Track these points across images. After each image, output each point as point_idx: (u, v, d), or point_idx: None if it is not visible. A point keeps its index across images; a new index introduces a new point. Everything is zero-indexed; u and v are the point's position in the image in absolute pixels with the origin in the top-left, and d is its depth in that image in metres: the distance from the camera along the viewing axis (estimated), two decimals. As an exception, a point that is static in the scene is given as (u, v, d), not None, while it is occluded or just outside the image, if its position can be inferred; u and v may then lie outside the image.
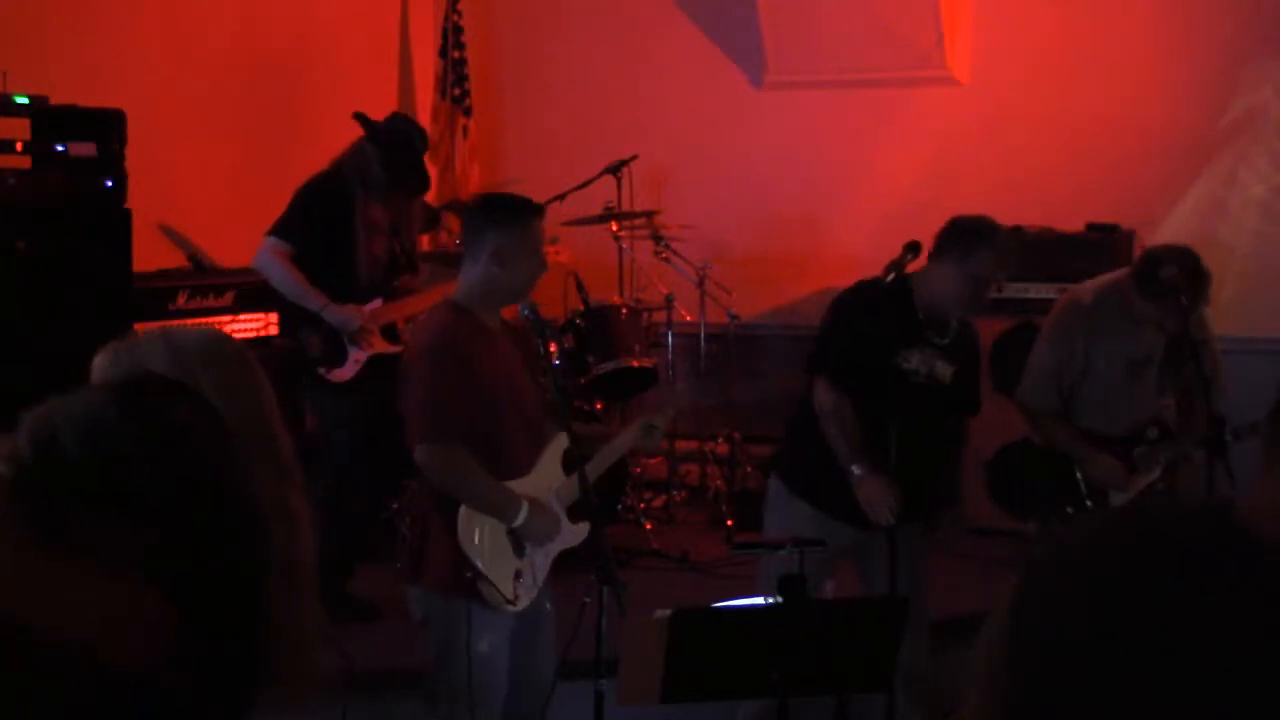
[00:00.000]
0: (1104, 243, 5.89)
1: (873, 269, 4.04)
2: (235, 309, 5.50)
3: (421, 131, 5.30)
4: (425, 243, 6.67)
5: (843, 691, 3.58)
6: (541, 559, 3.54)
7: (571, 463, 3.56)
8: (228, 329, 5.47)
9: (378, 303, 4.95)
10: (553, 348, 5.49)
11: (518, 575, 3.44)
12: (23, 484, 1.52)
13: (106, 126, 4.76)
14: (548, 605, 3.64)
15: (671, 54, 7.40)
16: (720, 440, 6.54)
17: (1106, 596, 1.37)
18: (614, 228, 6.43)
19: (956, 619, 4.67)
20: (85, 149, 4.71)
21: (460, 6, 7.46)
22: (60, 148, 4.67)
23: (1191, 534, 1.38)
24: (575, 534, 3.62)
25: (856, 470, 3.86)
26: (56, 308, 4.55)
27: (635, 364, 5.93)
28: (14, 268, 4.51)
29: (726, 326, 6.53)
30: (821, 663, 3.15)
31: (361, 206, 4.94)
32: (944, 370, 3.98)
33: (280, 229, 4.88)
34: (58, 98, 4.74)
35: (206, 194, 6.04)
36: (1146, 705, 1.30)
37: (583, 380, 5.85)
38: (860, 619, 3.30)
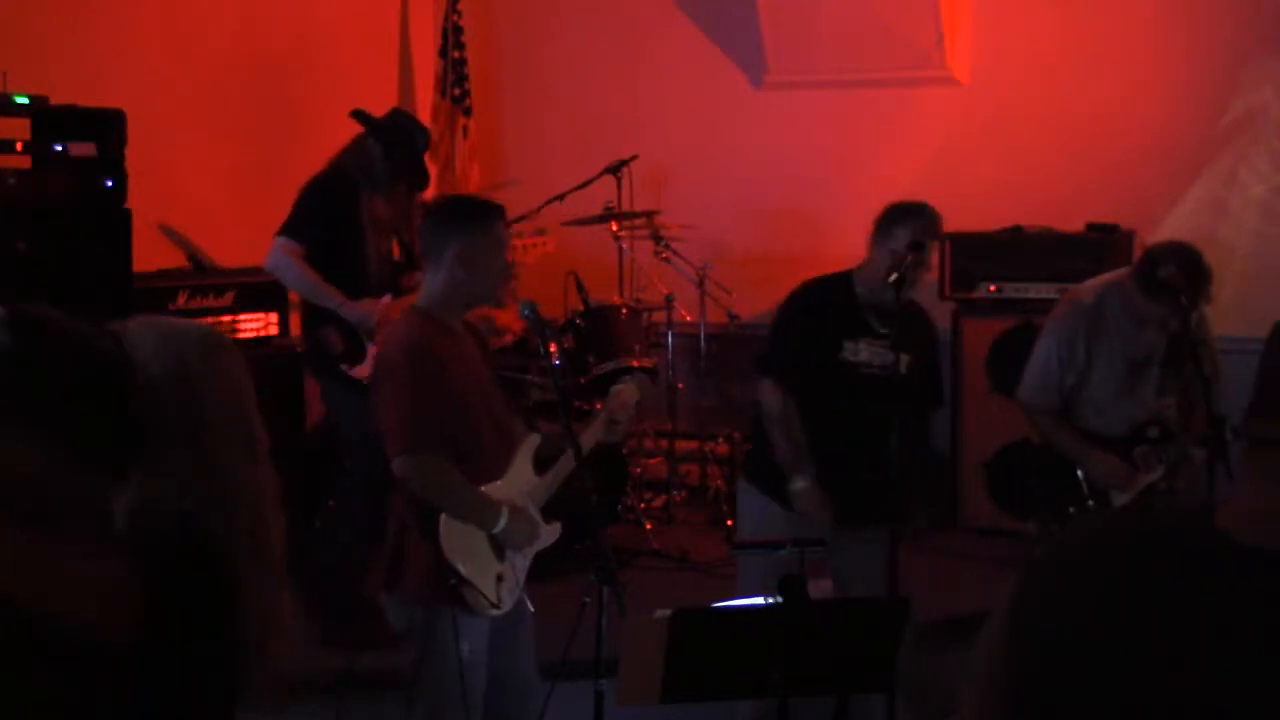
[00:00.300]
0: (1104, 243, 5.90)
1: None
2: (235, 309, 5.50)
3: (422, 127, 5.31)
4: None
5: (843, 691, 3.58)
6: (521, 560, 3.55)
7: (543, 463, 3.59)
8: (228, 329, 5.47)
9: (387, 299, 4.96)
10: (553, 348, 5.50)
11: (499, 578, 3.44)
12: None
13: (106, 126, 4.76)
14: (529, 606, 3.63)
15: (671, 54, 7.40)
16: (720, 440, 6.55)
17: (1099, 599, 1.37)
18: (614, 228, 6.43)
19: (956, 619, 4.68)
20: (85, 149, 4.71)
21: (460, 6, 7.46)
22: (60, 148, 4.68)
23: (1176, 538, 1.38)
24: (549, 534, 3.64)
25: (796, 482, 3.92)
26: (56, 308, 4.55)
27: (635, 364, 5.93)
28: (14, 268, 4.51)
29: (726, 326, 6.53)
30: (821, 663, 3.15)
31: (367, 203, 4.93)
32: (894, 358, 3.94)
33: (290, 228, 4.86)
34: (58, 98, 4.74)
35: (206, 194, 6.04)
36: (1139, 707, 1.31)
37: (583, 380, 5.85)
38: (860, 619, 3.30)
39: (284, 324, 5.63)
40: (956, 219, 6.21)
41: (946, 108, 6.82)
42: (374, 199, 4.96)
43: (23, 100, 4.62)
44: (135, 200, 4.85)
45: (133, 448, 1.80)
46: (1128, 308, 4.28)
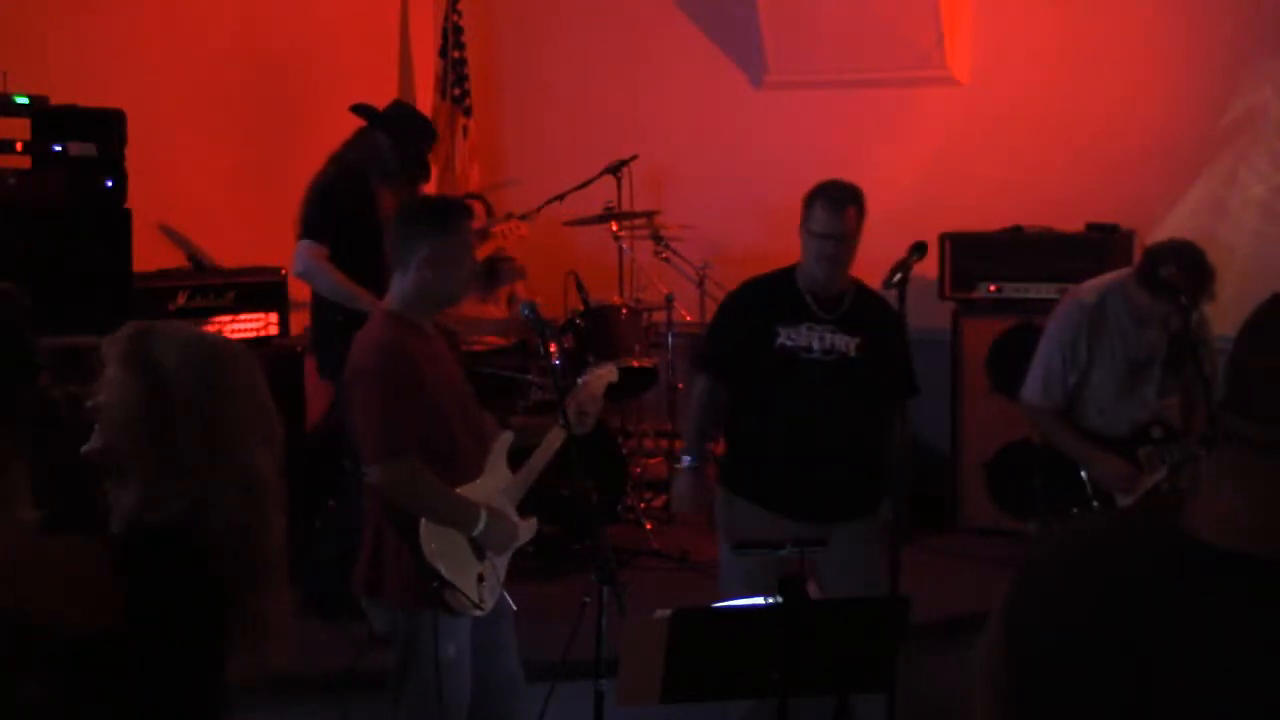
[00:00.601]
0: (1104, 243, 5.90)
1: (872, 269, 4.06)
2: (235, 309, 5.50)
3: (427, 118, 5.31)
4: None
5: (843, 691, 3.57)
6: (501, 559, 3.56)
7: (517, 459, 3.62)
8: (228, 329, 5.47)
9: None
10: (553, 348, 5.49)
11: (480, 578, 3.44)
12: None
13: (106, 126, 4.76)
14: (510, 604, 3.63)
15: (671, 54, 7.40)
16: (720, 440, 6.54)
17: (1077, 599, 1.39)
18: (614, 228, 6.43)
19: (956, 619, 4.68)
20: (85, 149, 4.71)
21: (460, 6, 7.46)
22: (60, 148, 4.67)
23: (1146, 539, 1.39)
24: (526, 530, 3.64)
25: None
26: (56, 308, 4.55)
27: (635, 364, 5.93)
28: (14, 268, 4.51)
29: (726, 326, 6.52)
30: (821, 663, 3.15)
31: (379, 198, 4.92)
32: (844, 342, 3.94)
33: (311, 231, 4.82)
34: (58, 98, 4.74)
35: (206, 194, 6.04)
36: (1115, 706, 1.32)
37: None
38: (860, 619, 3.30)
39: (284, 324, 5.62)
40: (956, 219, 6.26)
41: (946, 108, 6.81)
42: (384, 193, 4.95)
43: (23, 100, 4.62)
44: (135, 200, 4.84)
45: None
46: (1129, 307, 4.28)
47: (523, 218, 6.23)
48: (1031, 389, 4.46)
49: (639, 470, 6.35)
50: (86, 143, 4.71)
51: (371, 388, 3.35)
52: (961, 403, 6.08)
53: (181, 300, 5.36)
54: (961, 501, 6.07)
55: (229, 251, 5.84)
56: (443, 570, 3.33)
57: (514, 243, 6.21)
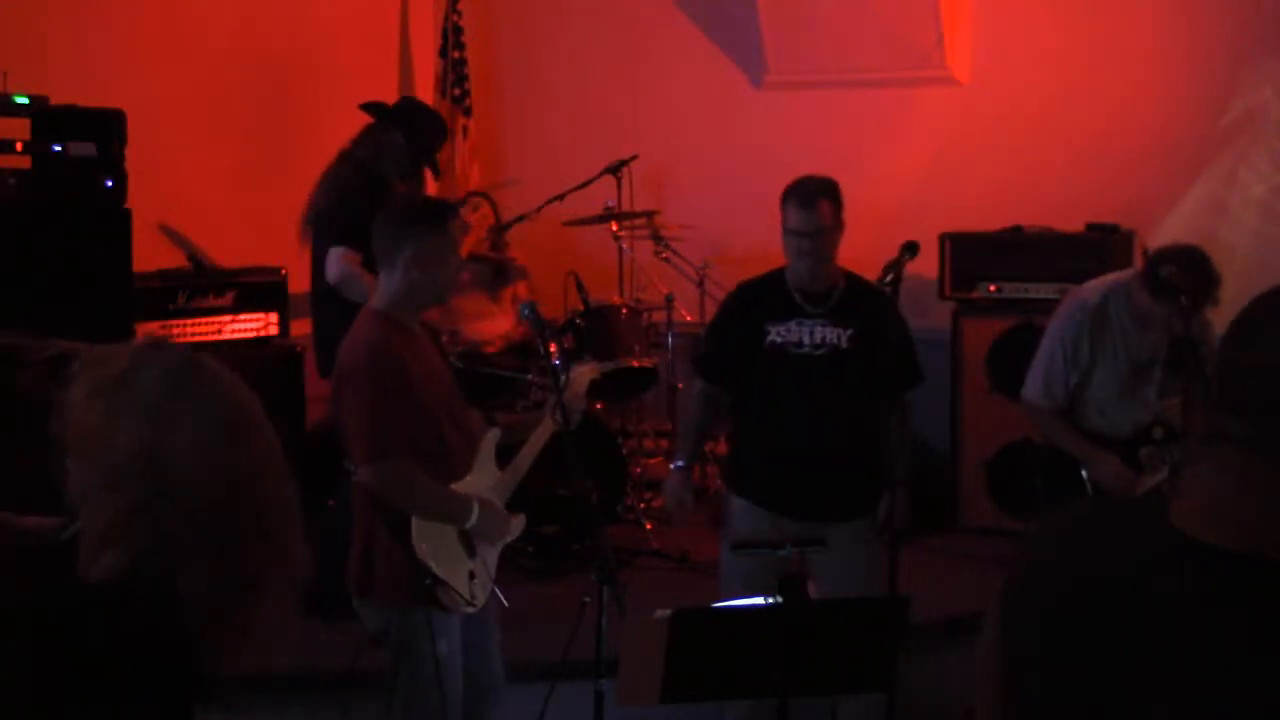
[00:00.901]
0: (1104, 243, 5.89)
1: (872, 269, 4.06)
2: (235, 309, 5.50)
3: (438, 113, 5.32)
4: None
5: (842, 691, 3.58)
6: (491, 557, 3.57)
7: (505, 456, 3.64)
8: (228, 329, 5.47)
9: None
10: (553, 348, 5.49)
11: (471, 575, 3.45)
12: None
13: (106, 126, 4.76)
14: (502, 601, 3.64)
15: (671, 54, 7.40)
16: (720, 440, 6.54)
17: (1067, 592, 1.40)
18: (614, 228, 6.43)
19: (956, 619, 4.68)
20: (85, 149, 4.71)
21: (460, 6, 7.46)
22: (60, 148, 4.67)
23: (1134, 533, 1.40)
24: (515, 527, 3.65)
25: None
26: (56, 308, 4.55)
27: (635, 364, 5.93)
28: (14, 268, 4.51)
29: (726, 326, 6.52)
30: (821, 663, 3.15)
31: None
32: (834, 335, 3.94)
33: (343, 236, 4.79)
34: (58, 98, 4.74)
35: (206, 194, 6.04)
36: (1105, 699, 1.33)
37: (597, 376, 5.84)
38: (860, 619, 3.30)
39: (284, 324, 5.62)
40: (956, 219, 6.26)
41: (946, 108, 6.81)
42: (398, 191, 4.96)
43: (23, 100, 4.62)
44: (135, 200, 4.84)
45: None
46: (1131, 308, 4.28)
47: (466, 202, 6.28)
48: (1032, 389, 4.46)
49: (639, 470, 6.35)
50: (86, 143, 4.71)
51: (360, 388, 3.35)
52: (961, 403, 6.08)
53: (181, 300, 5.36)
54: (961, 501, 6.07)
55: (229, 251, 5.84)
56: (434, 568, 3.35)
57: (478, 220, 6.23)
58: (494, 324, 6.40)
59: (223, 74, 6.25)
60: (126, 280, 4.86)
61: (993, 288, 6.05)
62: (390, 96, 6.10)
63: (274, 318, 5.60)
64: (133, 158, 4.83)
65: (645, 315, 6.30)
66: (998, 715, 1.44)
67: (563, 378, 3.77)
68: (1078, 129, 6.49)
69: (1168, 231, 6.01)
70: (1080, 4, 6.57)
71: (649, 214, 6.53)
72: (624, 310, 6.06)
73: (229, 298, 5.49)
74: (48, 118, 4.70)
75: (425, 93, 7.54)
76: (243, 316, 5.53)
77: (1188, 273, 4.08)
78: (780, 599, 3.11)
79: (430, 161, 5.20)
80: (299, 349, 5.49)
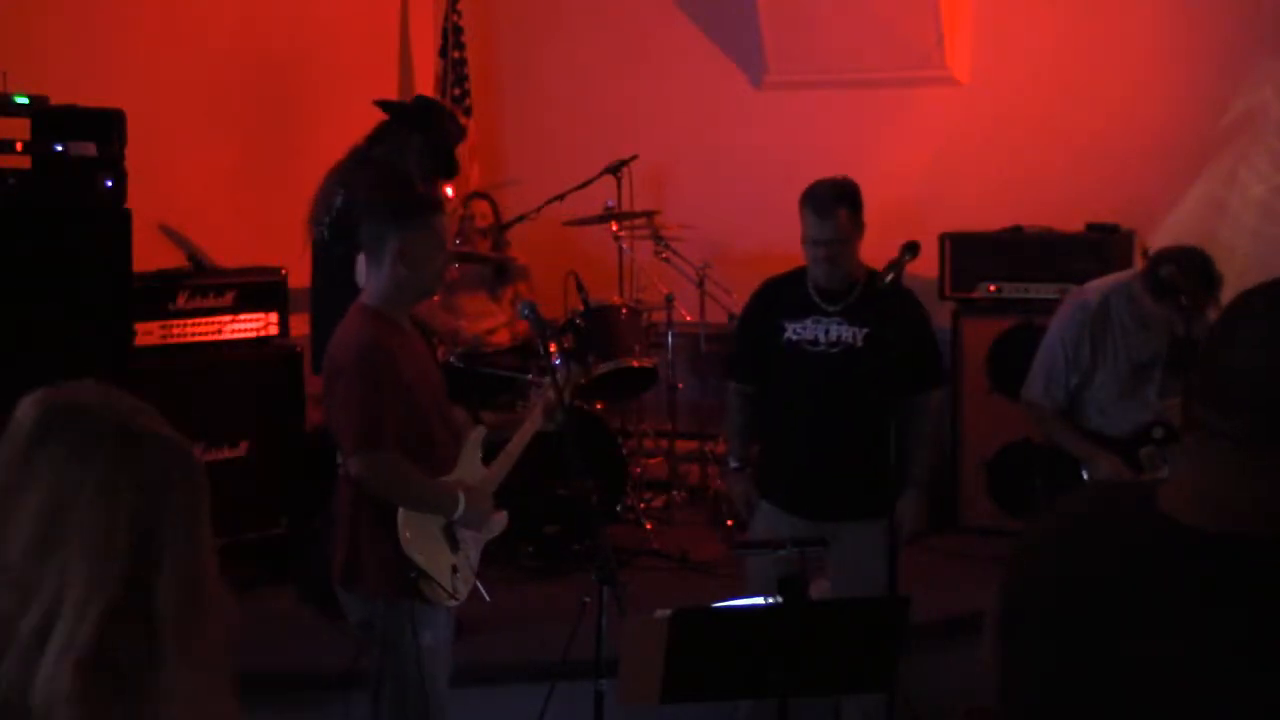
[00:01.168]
0: (1104, 243, 5.90)
1: (872, 268, 4.06)
2: (235, 309, 5.50)
3: (454, 113, 5.33)
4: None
5: (843, 691, 3.58)
6: (474, 552, 3.60)
7: (490, 454, 3.66)
8: (228, 329, 5.47)
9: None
10: (553, 348, 5.50)
11: (454, 570, 3.49)
12: None
13: (106, 126, 4.75)
14: (484, 595, 3.68)
15: (671, 54, 7.40)
16: (720, 440, 6.54)
17: (1061, 577, 1.46)
18: (614, 228, 6.42)
19: (956, 619, 4.68)
20: (85, 149, 4.70)
21: (460, 6, 7.46)
22: (60, 148, 4.67)
23: (1125, 519, 1.46)
24: (497, 523, 3.68)
25: (730, 464, 4.20)
26: (56, 308, 4.55)
27: (635, 364, 5.93)
28: (14, 268, 4.51)
29: (726, 326, 6.52)
30: (821, 663, 3.15)
31: None
32: (850, 333, 3.93)
33: None
34: (58, 98, 4.74)
35: (206, 194, 6.04)
36: (1098, 680, 1.38)
37: (583, 380, 5.84)
38: (860, 619, 3.30)
39: (284, 324, 5.62)
40: (956, 219, 6.26)
41: (946, 108, 6.81)
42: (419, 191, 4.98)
43: (23, 100, 4.62)
44: (135, 200, 4.84)
45: None
46: (1132, 309, 4.28)
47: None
48: (1033, 389, 4.46)
49: (639, 470, 6.35)
50: (86, 143, 4.71)
51: (351, 382, 3.39)
52: (961, 403, 6.08)
53: (181, 300, 5.35)
54: (961, 501, 6.07)
55: (229, 251, 5.83)
56: (419, 561, 3.38)
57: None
58: (494, 324, 6.41)
59: (223, 74, 6.25)
60: (126, 280, 4.86)
61: (993, 288, 6.05)
62: (390, 96, 6.11)
63: (274, 318, 5.60)
64: (133, 158, 4.83)
65: (645, 315, 6.30)
66: (1000, 682, 1.49)
67: (547, 378, 3.80)
68: (1078, 129, 6.49)
69: (1168, 231, 6.01)
70: (1080, 4, 6.57)
71: (649, 214, 6.53)
72: (624, 310, 6.06)
73: (229, 298, 5.49)
74: (48, 118, 4.70)
75: (425, 93, 7.54)
76: (243, 316, 5.52)
77: (1188, 273, 4.07)
78: (780, 599, 3.11)
79: (450, 161, 5.21)
80: (299, 349, 5.49)
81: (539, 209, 6.48)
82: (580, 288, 6.13)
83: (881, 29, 6.69)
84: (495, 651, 4.70)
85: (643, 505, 6.10)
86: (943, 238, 6.08)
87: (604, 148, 6.78)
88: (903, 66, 6.79)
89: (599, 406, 6.04)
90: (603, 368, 5.85)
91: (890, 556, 3.77)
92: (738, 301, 6.49)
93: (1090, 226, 6.02)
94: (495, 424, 3.79)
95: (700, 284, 6.45)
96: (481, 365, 5.88)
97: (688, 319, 6.56)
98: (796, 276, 4.08)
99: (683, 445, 6.62)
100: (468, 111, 7.43)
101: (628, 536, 5.79)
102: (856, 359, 3.93)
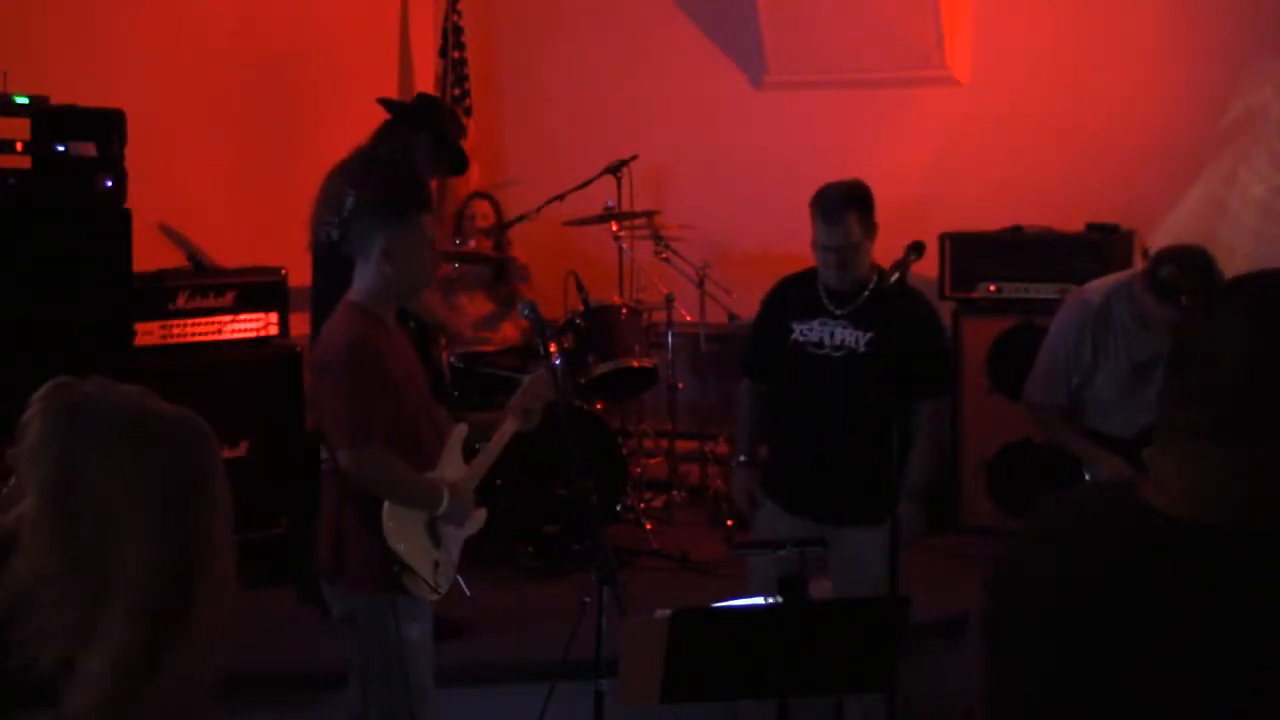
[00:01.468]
0: (1104, 243, 5.90)
1: (873, 269, 4.06)
2: (235, 309, 5.50)
3: (453, 109, 5.35)
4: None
5: (843, 691, 3.57)
6: (454, 547, 3.63)
7: (471, 452, 3.70)
8: (228, 329, 5.47)
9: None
10: (553, 348, 5.50)
11: (436, 564, 3.51)
12: None
13: (106, 126, 4.76)
14: (465, 591, 3.69)
15: (671, 54, 7.40)
16: (720, 440, 6.54)
17: (1048, 569, 1.49)
18: (614, 228, 6.42)
19: (956, 619, 4.68)
20: (85, 149, 4.71)
21: (460, 6, 7.46)
22: (60, 148, 4.67)
23: (1112, 512, 1.50)
24: (476, 521, 3.71)
25: (737, 458, 4.18)
26: (56, 308, 4.55)
27: (635, 364, 5.93)
28: (14, 268, 4.51)
29: (726, 326, 6.53)
30: (821, 663, 3.15)
31: None
32: (854, 337, 3.92)
33: None
34: (58, 98, 4.74)
35: (206, 194, 6.04)
36: (1100, 678, 1.38)
37: (583, 380, 5.85)
38: (860, 619, 3.30)
39: (284, 324, 5.62)
40: (956, 219, 6.26)
41: (946, 108, 6.81)
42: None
43: (23, 100, 4.62)
44: (135, 200, 4.84)
45: None
46: (1133, 309, 4.28)
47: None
48: (1034, 389, 4.46)
49: (639, 470, 6.35)
50: (86, 143, 4.71)
51: (340, 377, 3.41)
52: (961, 403, 6.07)
53: (181, 300, 5.35)
54: (961, 501, 6.07)
55: (229, 251, 5.84)
56: (404, 556, 3.40)
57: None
58: (494, 323, 6.41)
59: (223, 74, 6.25)
60: (126, 280, 4.86)
61: (993, 288, 6.05)
62: (390, 96, 6.10)
63: (274, 318, 5.60)
64: (133, 158, 4.83)
65: (645, 315, 6.30)
66: (989, 669, 1.51)
67: (523, 376, 3.82)
68: (1078, 129, 6.49)
69: (1168, 231, 6.01)
70: (1080, 4, 6.57)
71: (649, 214, 6.53)
72: (624, 310, 6.06)
73: (229, 298, 5.49)
74: (48, 118, 4.70)
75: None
76: (243, 316, 5.52)
77: (1188, 273, 4.07)
78: (780, 599, 3.11)
79: (458, 157, 5.22)
80: (299, 349, 5.49)
81: (539, 209, 6.48)
82: (580, 288, 6.13)
83: (881, 29, 6.70)
84: (495, 651, 4.71)
85: (643, 505, 6.10)
86: (943, 238, 6.09)
87: (604, 148, 6.78)
88: (903, 66, 6.79)
89: (599, 406, 6.04)
90: (603, 368, 5.85)
91: (891, 558, 3.77)
92: (738, 301, 6.52)
93: (1090, 226, 6.02)
94: (483, 424, 3.79)
95: (700, 284, 6.45)
96: (481, 365, 5.88)
97: (688, 319, 6.56)
98: (808, 277, 4.07)
99: (683, 445, 6.62)
100: (468, 111, 7.43)
101: (628, 536, 5.79)
102: (858, 363, 3.92)
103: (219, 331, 5.45)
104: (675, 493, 6.47)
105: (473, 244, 6.53)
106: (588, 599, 3.34)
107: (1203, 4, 6.33)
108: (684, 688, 3.07)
